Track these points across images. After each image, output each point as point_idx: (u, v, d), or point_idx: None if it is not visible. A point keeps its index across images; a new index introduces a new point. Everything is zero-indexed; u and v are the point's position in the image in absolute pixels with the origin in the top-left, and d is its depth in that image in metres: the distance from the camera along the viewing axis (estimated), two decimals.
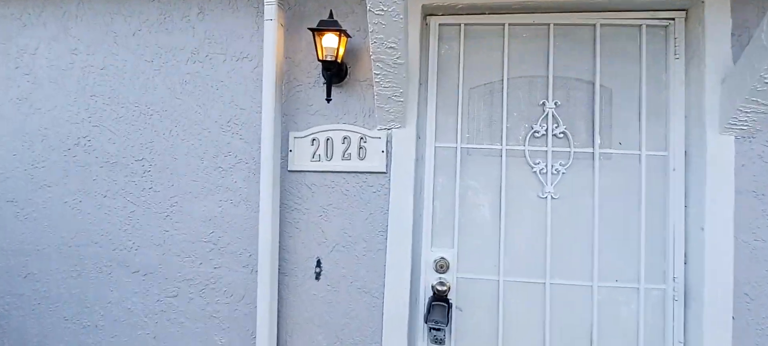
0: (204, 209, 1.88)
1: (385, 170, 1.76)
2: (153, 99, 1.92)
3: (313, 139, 1.81)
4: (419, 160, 1.80)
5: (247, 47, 1.86)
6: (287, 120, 1.84)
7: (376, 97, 1.65)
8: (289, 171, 1.83)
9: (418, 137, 1.79)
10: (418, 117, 1.78)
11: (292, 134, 1.82)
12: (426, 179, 1.80)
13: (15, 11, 2.00)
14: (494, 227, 1.78)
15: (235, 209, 1.86)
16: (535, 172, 1.77)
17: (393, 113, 1.70)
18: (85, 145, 1.96)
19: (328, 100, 1.70)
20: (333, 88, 1.78)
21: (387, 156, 1.77)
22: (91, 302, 1.96)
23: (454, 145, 1.81)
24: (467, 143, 1.81)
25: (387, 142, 1.77)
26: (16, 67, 2.00)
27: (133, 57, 1.93)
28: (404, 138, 1.75)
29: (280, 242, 1.83)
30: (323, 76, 1.76)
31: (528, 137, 1.78)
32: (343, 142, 1.79)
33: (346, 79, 1.79)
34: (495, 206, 1.78)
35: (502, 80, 1.80)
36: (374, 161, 1.77)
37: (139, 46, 1.93)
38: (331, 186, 1.81)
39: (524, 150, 1.78)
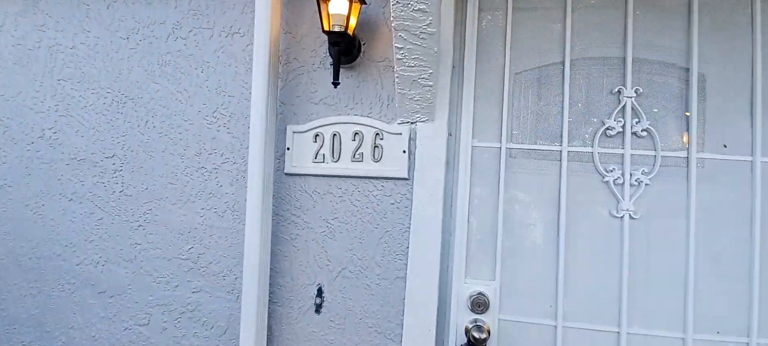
0: (182, 218, 1.53)
1: (406, 176, 1.37)
2: (127, 84, 1.59)
3: (317, 135, 1.43)
4: (451, 164, 1.40)
5: (238, 20, 1.51)
6: (285, 110, 1.47)
7: (397, 80, 1.26)
8: (285, 174, 1.46)
9: (450, 135, 1.39)
10: (450, 108, 1.38)
11: (290, 128, 1.45)
12: (460, 188, 1.39)
13: None
14: (550, 255, 1.35)
15: (219, 220, 1.51)
16: (607, 182, 1.33)
17: (419, 102, 1.31)
18: (50, 137, 1.65)
19: (336, 84, 1.33)
20: (342, 69, 1.40)
21: (409, 158, 1.37)
22: (52, 326, 1.64)
23: (497, 144, 1.39)
24: (514, 143, 1.39)
25: (410, 139, 1.37)
26: None
27: (107, 33, 1.61)
28: (432, 135, 1.36)
29: (272, 264, 1.45)
30: (330, 53, 1.38)
31: (598, 136, 1.34)
32: (354, 139, 1.40)
33: (358, 59, 1.41)
34: (551, 225, 1.35)
35: (563, 62, 1.37)
36: (393, 164, 1.38)
37: (113, 21, 1.61)
38: (338, 194, 1.43)
39: (592, 153, 1.34)
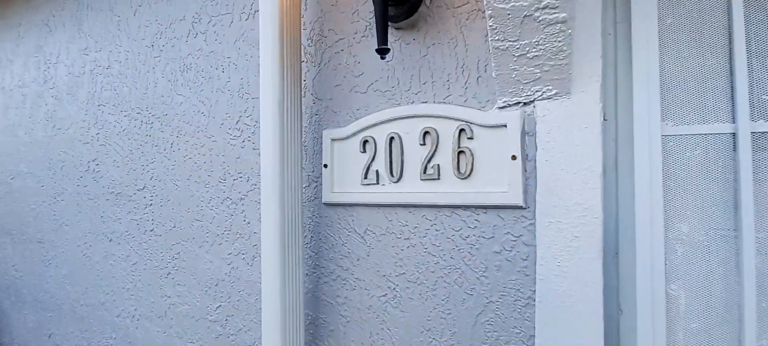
0: (209, 266, 1.16)
1: (521, 202, 0.74)
2: (153, 100, 1.32)
3: (365, 141, 0.90)
4: (611, 174, 0.72)
5: None
6: (320, 109, 0.98)
7: (491, 26, 0.66)
8: (325, 204, 0.97)
9: (606, 119, 0.72)
10: (604, 67, 0.71)
11: (327, 135, 0.95)
12: (638, 221, 0.70)
13: (43, 16, 1.69)
14: None
15: (247, 270, 1.09)
16: None
17: (537, 61, 0.68)
18: (94, 170, 1.48)
19: (382, 51, 0.78)
20: (397, 31, 0.85)
21: (525, 168, 0.74)
22: None
23: (726, 128, 0.67)
24: None
25: (524, 134, 0.74)
26: (45, 82, 1.67)
27: (135, 44, 1.37)
28: (569, 121, 0.70)
29: (311, 341, 0.97)
30: (374, 4, 0.84)
31: None
32: (424, 142, 0.83)
33: (422, 8, 0.84)
34: None
35: None
36: (494, 181, 0.76)
37: (139, 29, 1.36)
38: (404, 235, 0.87)
39: None
